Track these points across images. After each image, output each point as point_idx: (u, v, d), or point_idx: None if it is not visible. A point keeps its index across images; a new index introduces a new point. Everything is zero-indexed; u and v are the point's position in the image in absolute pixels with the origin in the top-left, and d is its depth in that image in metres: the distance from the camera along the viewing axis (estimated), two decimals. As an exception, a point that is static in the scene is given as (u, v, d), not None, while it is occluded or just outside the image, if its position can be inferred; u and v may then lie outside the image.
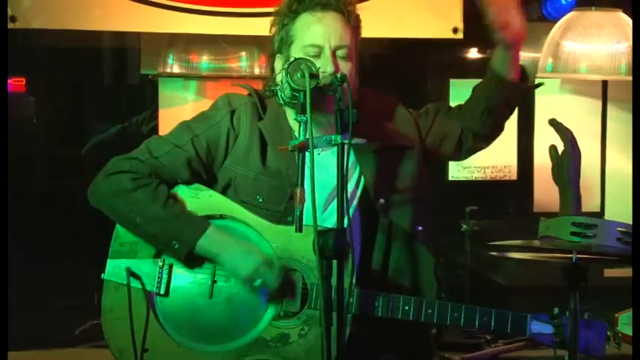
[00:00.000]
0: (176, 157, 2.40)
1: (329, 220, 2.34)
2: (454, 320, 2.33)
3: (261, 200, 2.39)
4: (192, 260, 2.33)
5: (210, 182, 2.45)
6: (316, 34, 2.35)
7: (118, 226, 2.37)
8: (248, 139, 2.42)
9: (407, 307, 2.32)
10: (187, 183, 2.41)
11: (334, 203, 2.10)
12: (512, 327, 2.35)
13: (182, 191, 2.39)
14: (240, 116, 2.44)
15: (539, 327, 2.34)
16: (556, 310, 2.34)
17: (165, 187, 2.36)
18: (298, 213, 1.99)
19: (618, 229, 2.12)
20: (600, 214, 3.63)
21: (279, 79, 2.35)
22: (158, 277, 2.33)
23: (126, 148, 2.45)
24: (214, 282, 2.33)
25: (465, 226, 3.71)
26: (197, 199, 2.39)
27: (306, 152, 2.02)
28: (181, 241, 2.29)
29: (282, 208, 2.38)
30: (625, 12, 3.44)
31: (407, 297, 2.33)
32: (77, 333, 3.09)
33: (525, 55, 3.84)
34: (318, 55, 2.32)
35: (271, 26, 2.46)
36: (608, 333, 3.09)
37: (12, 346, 3.10)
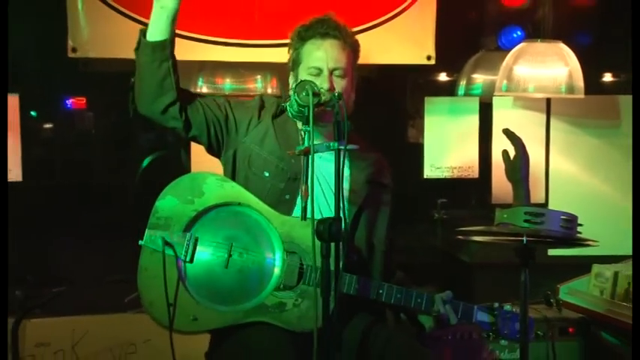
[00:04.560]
0: (214, 109, 2.44)
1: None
2: (417, 305, 2.33)
3: (267, 175, 2.41)
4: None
5: (226, 150, 2.47)
6: (316, 58, 2.37)
7: (156, 204, 2.34)
8: (266, 127, 2.45)
9: (381, 291, 2.31)
10: (209, 147, 2.46)
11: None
12: (462, 314, 2.35)
13: (210, 181, 2.37)
14: (267, 110, 2.49)
15: (482, 316, 2.35)
16: (496, 304, 2.36)
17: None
18: (304, 204, 1.98)
19: (562, 217, 2.12)
20: (545, 204, 3.61)
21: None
22: (185, 247, 2.31)
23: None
24: (230, 255, 2.31)
25: (436, 215, 3.72)
26: (222, 188, 2.36)
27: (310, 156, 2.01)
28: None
29: (283, 185, 2.39)
30: (565, 43, 3.42)
31: (382, 283, 2.33)
32: (126, 301, 3.07)
33: (485, 78, 3.84)
34: (318, 75, 2.35)
35: (288, 49, 2.48)
36: (552, 301, 3.08)
37: (72, 312, 3.12)
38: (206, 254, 2.32)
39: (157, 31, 2.31)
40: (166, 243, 2.28)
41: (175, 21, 2.32)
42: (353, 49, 2.45)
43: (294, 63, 2.45)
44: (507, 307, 2.35)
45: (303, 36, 2.41)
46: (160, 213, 2.33)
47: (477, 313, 2.35)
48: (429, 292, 2.36)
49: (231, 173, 2.46)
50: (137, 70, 2.36)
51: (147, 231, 2.32)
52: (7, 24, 2.44)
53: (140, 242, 2.31)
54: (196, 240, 2.32)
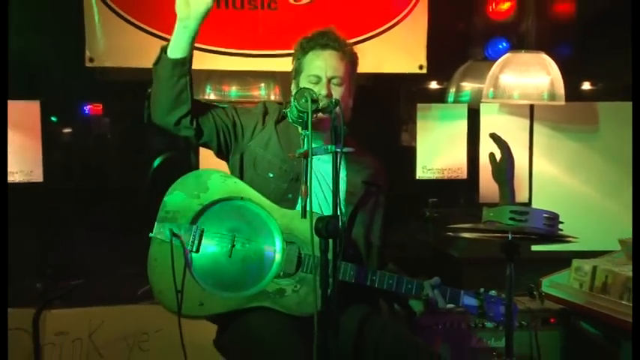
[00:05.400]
0: (222, 116, 2.42)
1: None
2: (408, 290, 2.33)
3: (271, 176, 2.40)
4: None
5: (233, 154, 2.46)
6: (316, 66, 2.38)
7: (165, 199, 2.34)
8: (270, 132, 2.45)
9: (374, 278, 2.32)
10: (218, 152, 2.45)
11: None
12: (449, 298, 2.35)
13: (215, 177, 2.37)
14: (270, 115, 2.48)
15: (468, 300, 2.35)
16: (481, 290, 2.35)
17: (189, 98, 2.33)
18: (303, 203, 1.98)
19: (544, 215, 2.11)
20: (528, 203, 3.60)
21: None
22: (192, 239, 2.30)
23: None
24: (233, 246, 2.31)
25: (428, 213, 3.71)
26: (225, 184, 2.37)
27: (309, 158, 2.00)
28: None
29: (286, 186, 2.39)
30: (547, 54, 3.42)
31: (375, 270, 2.33)
32: (139, 293, 3.06)
33: (473, 86, 3.83)
34: (317, 82, 2.36)
35: (292, 60, 2.48)
36: (535, 293, 3.07)
37: (89, 303, 3.11)
38: (211, 245, 2.32)
39: (178, 49, 2.29)
40: (174, 234, 2.28)
41: (195, 40, 2.30)
42: (351, 60, 2.45)
43: (296, 72, 2.45)
44: (492, 292, 2.35)
45: (305, 47, 2.43)
46: (168, 207, 2.33)
47: (464, 298, 2.35)
48: (418, 279, 2.36)
49: (239, 175, 2.46)
50: (155, 84, 2.34)
51: (156, 224, 2.32)
52: (7, 27, 2.43)
53: (150, 234, 2.31)
54: (202, 232, 2.32)
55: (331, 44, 2.40)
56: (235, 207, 2.36)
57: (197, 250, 2.31)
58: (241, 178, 2.45)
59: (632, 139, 3.01)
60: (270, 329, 2.21)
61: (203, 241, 2.32)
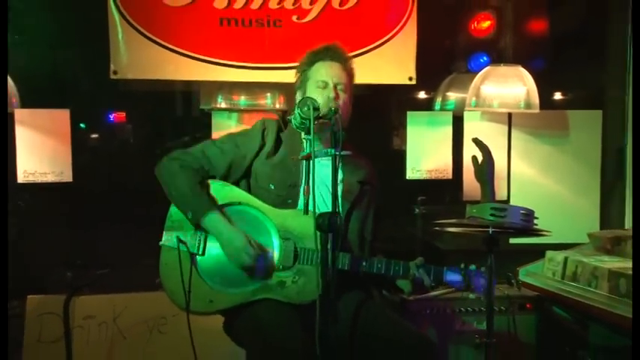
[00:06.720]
0: (221, 158, 2.41)
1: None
2: (396, 272, 2.31)
3: (272, 187, 2.39)
4: (202, 229, 2.32)
5: (241, 176, 2.44)
6: (324, 74, 2.40)
7: (170, 209, 2.36)
8: (270, 147, 2.44)
9: (365, 263, 2.31)
10: (223, 178, 2.41)
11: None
12: (434, 276, 2.31)
13: (214, 186, 2.38)
14: (268, 132, 2.46)
15: (452, 276, 2.31)
16: (462, 265, 2.32)
17: (198, 176, 2.34)
18: (305, 201, 1.97)
19: (521, 212, 2.12)
20: (507, 201, 3.59)
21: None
22: (197, 243, 2.31)
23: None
24: None
25: (417, 210, 3.69)
26: (224, 191, 2.38)
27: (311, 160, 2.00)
28: (193, 213, 2.29)
29: (285, 193, 2.38)
30: (523, 67, 3.42)
31: (367, 258, 2.32)
32: (157, 282, 3.05)
33: (457, 96, 3.82)
34: (324, 87, 2.38)
35: (296, 72, 2.49)
36: (513, 281, 3.06)
37: (114, 290, 3.12)
38: (215, 247, 2.32)
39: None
40: (181, 241, 2.29)
41: None
42: (350, 73, 2.48)
43: (302, 82, 2.46)
44: (472, 266, 2.32)
45: (312, 59, 2.45)
46: (174, 217, 2.35)
47: (447, 274, 2.32)
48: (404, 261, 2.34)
49: (246, 189, 2.46)
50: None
51: (164, 233, 2.33)
52: (7, 31, 2.42)
53: (160, 243, 2.32)
54: (206, 236, 2.32)
55: (336, 56, 2.44)
56: (235, 211, 2.36)
57: (203, 253, 2.31)
58: (248, 190, 2.45)
59: (632, 140, 3.01)
60: (274, 317, 2.21)
61: (208, 244, 2.32)
